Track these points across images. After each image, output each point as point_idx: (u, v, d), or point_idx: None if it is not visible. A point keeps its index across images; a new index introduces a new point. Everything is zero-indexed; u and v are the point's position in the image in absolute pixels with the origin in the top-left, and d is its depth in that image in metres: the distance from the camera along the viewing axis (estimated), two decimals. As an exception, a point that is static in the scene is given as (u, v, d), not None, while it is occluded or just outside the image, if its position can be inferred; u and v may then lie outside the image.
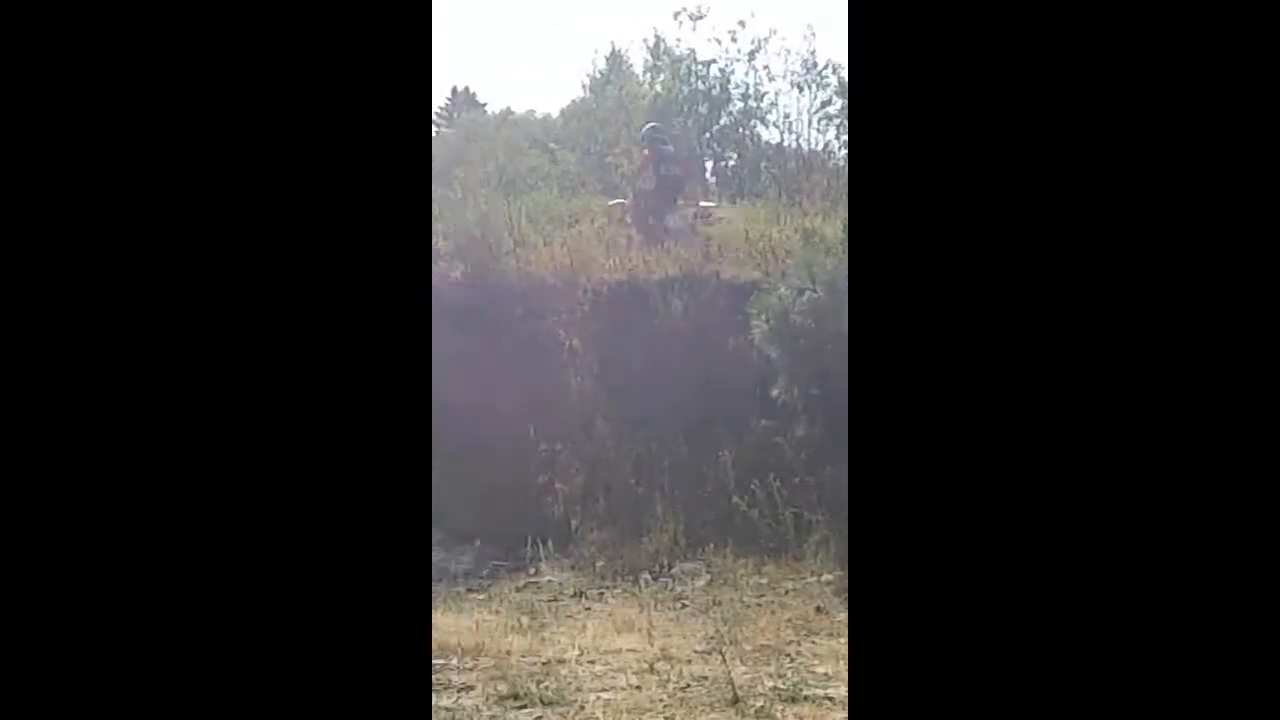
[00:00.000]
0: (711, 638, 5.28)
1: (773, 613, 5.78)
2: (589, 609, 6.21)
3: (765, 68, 14.56)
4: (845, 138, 12.89)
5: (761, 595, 6.23)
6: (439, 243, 9.27)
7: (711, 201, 10.70)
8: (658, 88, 14.92)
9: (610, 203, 10.61)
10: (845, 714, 3.97)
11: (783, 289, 7.44)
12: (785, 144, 14.33)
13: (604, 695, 4.49)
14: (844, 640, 4.27)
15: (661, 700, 4.40)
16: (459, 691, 4.59)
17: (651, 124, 11.26)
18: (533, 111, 18.19)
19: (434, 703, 4.43)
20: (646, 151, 10.47)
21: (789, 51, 16.30)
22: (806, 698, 4.38)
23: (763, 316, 7.38)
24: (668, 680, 4.65)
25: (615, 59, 17.07)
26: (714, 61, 14.49)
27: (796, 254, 7.96)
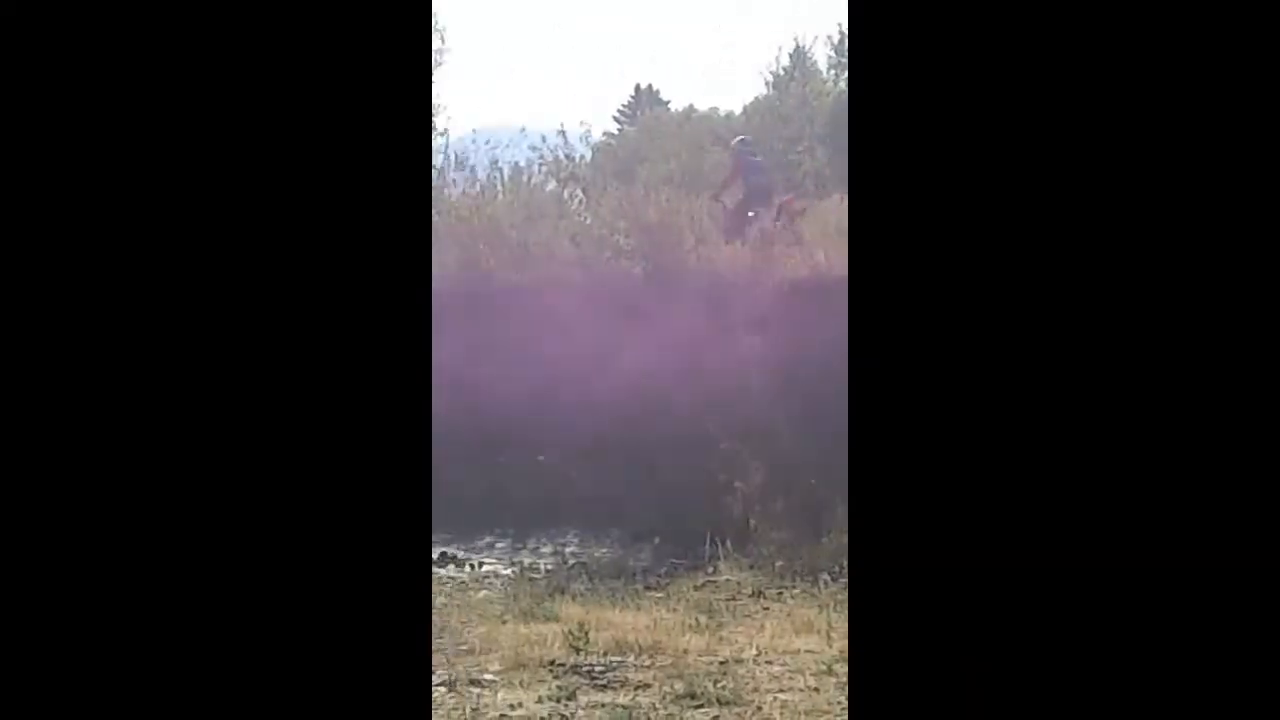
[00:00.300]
0: (892, 641, 5.16)
1: (956, 617, 5.63)
2: (767, 609, 6.15)
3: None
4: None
5: (944, 599, 6.08)
6: (621, 240, 9.34)
7: (794, 194, 10.78)
8: (841, 85, 14.75)
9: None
10: None
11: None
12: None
13: (781, 696, 4.43)
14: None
15: (840, 703, 4.32)
16: (635, 689, 4.59)
17: (741, 137, 11.80)
18: (715, 109, 18.20)
19: (611, 699, 4.45)
20: (735, 163, 10.90)
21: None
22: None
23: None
24: (846, 683, 4.56)
25: (799, 56, 16.97)
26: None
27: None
